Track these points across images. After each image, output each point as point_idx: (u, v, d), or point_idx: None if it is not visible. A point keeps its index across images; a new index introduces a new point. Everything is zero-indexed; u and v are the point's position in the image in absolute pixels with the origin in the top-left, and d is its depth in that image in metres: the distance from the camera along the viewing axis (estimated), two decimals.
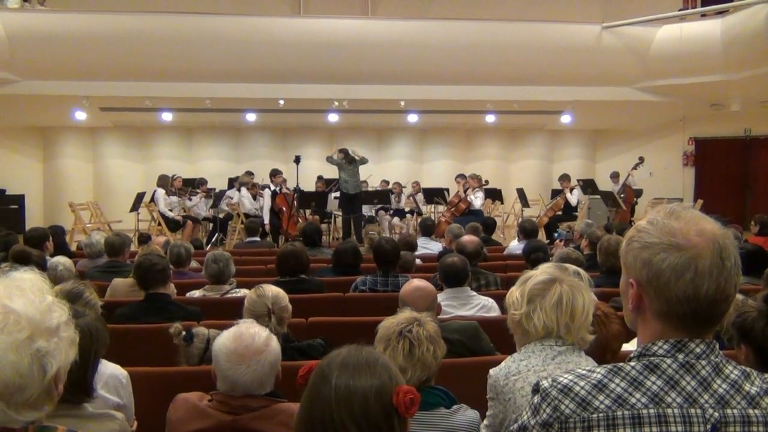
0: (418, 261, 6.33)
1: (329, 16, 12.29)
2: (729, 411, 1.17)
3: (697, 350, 1.20)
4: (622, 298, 1.33)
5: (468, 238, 5.35)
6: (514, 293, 2.16)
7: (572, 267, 2.24)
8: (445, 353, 2.23)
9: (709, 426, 1.16)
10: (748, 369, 1.23)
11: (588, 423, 1.18)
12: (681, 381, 1.18)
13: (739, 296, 3.23)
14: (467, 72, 12.01)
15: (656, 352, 1.21)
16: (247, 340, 2.12)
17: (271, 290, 3.03)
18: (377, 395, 1.34)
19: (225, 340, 2.15)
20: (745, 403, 1.18)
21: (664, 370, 1.19)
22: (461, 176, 12.53)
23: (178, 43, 11.31)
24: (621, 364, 1.23)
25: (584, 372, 1.24)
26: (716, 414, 1.16)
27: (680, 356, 1.20)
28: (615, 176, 12.84)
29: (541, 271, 2.17)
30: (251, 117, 13.84)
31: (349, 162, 10.82)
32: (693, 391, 1.18)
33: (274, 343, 2.17)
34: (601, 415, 1.17)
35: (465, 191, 11.89)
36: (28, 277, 1.25)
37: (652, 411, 1.16)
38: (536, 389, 1.26)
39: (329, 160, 11.55)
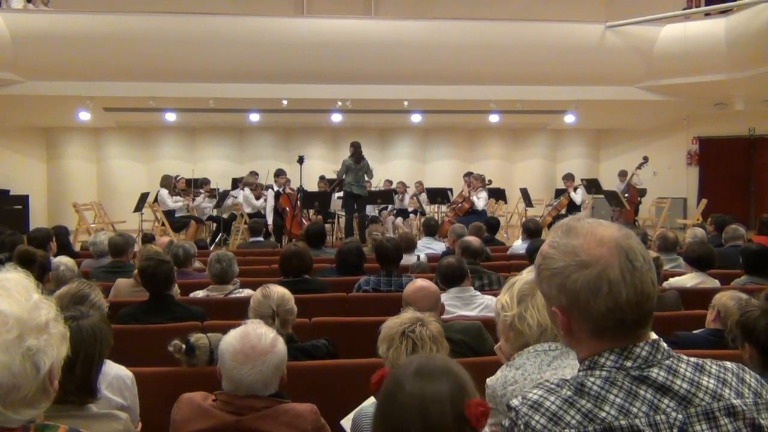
0: (422, 258, 6.33)
1: (332, 16, 12.30)
2: (692, 410, 1.17)
3: (643, 354, 1.21)
4: (551, 323, 1.35)
5: (471, 238, 5.36)
6: (503, 297, 2.12)
7: None
8: (449, 353, 2.22)
9: (675, 430, 1.16)
10: (700, 361, 1.24)
11: None
12: (639, 392, 1.18)
13: (743, 295, 3.24)
14: (470, 72, 12.01)
15: (604, 364, 1.21)
16: (253, 341, 2.11)
17: (277, 292, 3.01)
18: (451, 404, 1.34)
19: (231, 339, 2.14)
20: (709, 398, 1.18)
21: (621, 384, 1.19)
22: (469, 174, 12.50)
23: (182, 43, 11.33)
24: (581, 379, 1.22)
25: (553, 387, 1.23)
26: (680, 416, 1.17)
27: (628, 363, 1.20)
28: (623, 174, 12.80)
29: (527, 272, 2.13)
30: (254, 117, 13.87)
31: (356, 161, 10.76)
32: (652, 398, 1.18)
33: (281, 345, 2.17)
34: (573, 430, 1.16)
35: (469, 191, 11.87)
36: (11, 277, 1.25)
37: (623, 422, 1.16)
38: (508, 408, 1.25)
39: (340, 172, 11.26)
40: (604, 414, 1.17)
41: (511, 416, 1.23)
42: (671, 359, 1.22)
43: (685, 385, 1.19)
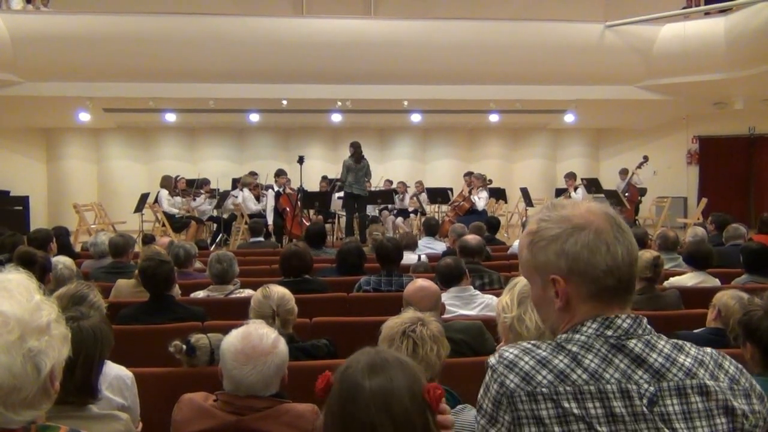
0: (423, 258, 6.33)
1: (332, 16, 12.30)
2: (665, 384, 1.20)
3: (624, 325, 1.24)
4: (537, 311, 1.39)
5: (470, 237, 5.36)
6: (504, 299, 2.12)
7: None
8: (449, 353, 2.22)
9: (645, 400, 1.18)
10: (680, 342, 1.26)
11: (533, 397, 1.20)
12: (614, 360, 1.21)
13: (744, 294, 3.24)
14: (470, 71, 12.01)
15: (585, 332, 1.24)
16: (254, 341, 2.11)
17: (278, 292, 3.01)
18: (411, 394, 1.34)
19: (233, 339, 2.14)
20: (682, 375, 1.20)
21: (598, 349, 1.22)
22: (469, 174, 12.50)
23: (182, 43, 11.33)
24: (560, 341, 1.25)
25: (530, 346, 1.26)
26: (651, 388, 1.19)
27: (609, 332, 1.23)
28: (624, 172, 12.80)
29: None
30: (254, 117, 13.87)
31: (357, 161, 10.75)
32: (626, 368, 1.20)
33: (282, 346, 2.16)
34: (544, 390, 1.19)
35: (469, 191, 11.87)
36: (13, 278, 1.25)
37: (593, 387, 1.19)
38: (487, 366, 1.29)
39: (342, 175, 11.22)
40: (575, 377, 1.20)
41: (488, 374, 1.26)
42: (651, 335, 1.24)
43: (660, 359, 1.21)
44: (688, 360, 1.22)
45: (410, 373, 1.38)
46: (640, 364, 1.20)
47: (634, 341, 1.22)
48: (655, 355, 1.21)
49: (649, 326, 1.26)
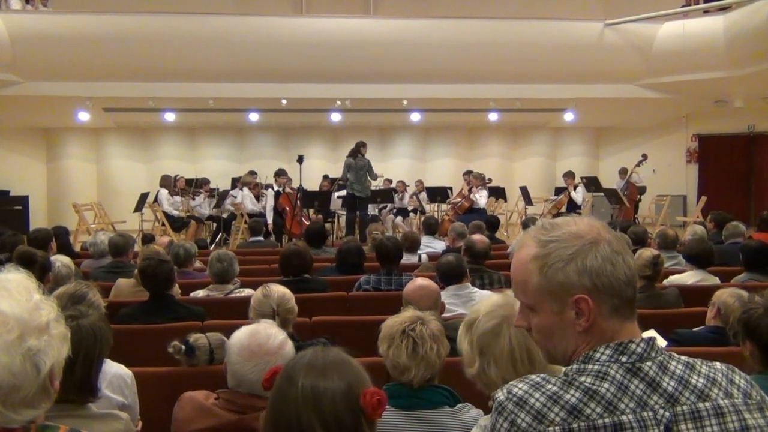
0: (424, 258, 6.33)
1: (331, 16, 12.31)
2: (679, 408, 1.17)
3: (638, 350, 1.21)
4: (541, 341, 1.30)
5: (478, 237, 5.35)
6: (463, 342, 1.86)
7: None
8: (449, 352, 2.22)
9: (662, 427, 1.16)
10: (691, 360, 1.24)
11: None
12: (630, 385, 1.18)
13: (743, 292, 3.24)
14: (470, 70, 12.01)
15: (599, 359, 1.21)
16: (261, 339, 2.11)
17: (278, 291, 3.00)
18: (345, 396, 1.33)
19: (241, 334, 2.14)
20: (694, 398, 1.18)
21: (613, 376, 1.19)
22: (468, 173, 12.50)
23: (181, 43, 11.33)
24: (573, 374, 1.22)
25: (539, 380, 1.23)
26: (667, 414, 1.17)
27: (623, 359, 1.20)
28: (623, 172, 12.80)
29: (487, 312, 1.85)
30: (254, 117, 13.86)
31: (353, 155, 10.74)
32: (642, 393, 1.18)
33: (289, 349, 2.15)
34: (557, 428, 1.16)
35: (469, 190, 11.88)
36: (12, 278, 1.25)
37: (607, 420, 1.16)
38: (494, 401, 1.25)
39: (343, 175, 11.21)
40: (589, 411, 1.16)
41: (497, 410, 1.22)
42: (663, 356, 1.22)
43: (672, 383, 1.19)
44: (701, 380, 1.20)
45: (351, 375, 1.37)
46: (655, 388, 1.18)
47: (648, 364, 1.20)
48: (667, 379, 1.19)
49: (661, 347, 1.24)
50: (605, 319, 1.23)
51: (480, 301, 1.99)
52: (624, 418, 1.16)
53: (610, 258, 1.22)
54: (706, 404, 1.18)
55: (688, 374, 1.20)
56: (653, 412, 1.17)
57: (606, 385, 1.18)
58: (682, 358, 1.24)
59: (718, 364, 1.25)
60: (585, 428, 1.16)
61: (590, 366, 1.21)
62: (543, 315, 1.27)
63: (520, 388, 1.22)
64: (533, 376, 1.24)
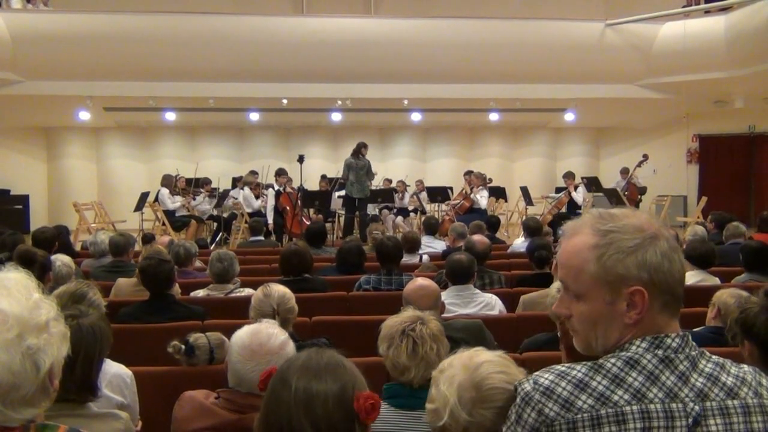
0: (425, 258, 6.33)
1: (332, 15, 12.30)
2: (708, 404, 1.18)
3: (674, 345, 1.22)
4: (584, 330, 1.27)
5: (478, 238, 5.35)
6: (450, 400, 1.46)
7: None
8: (449, 352, 2.22)
9: (690, 420, 1.17)
10: (722, 360, 1.24)
11: (573, 424, 1.17)
12: (661, 376, 1.19)
13: (743, 293, 3.23)
14: (470, 70, 12.00)
15: (635, 350, 1.22)
16: (262, 339, 2.11)
17: (278, 290, 3.00)
18: (338, 399, 1.32)
19: (242, 334, 2.14)
20: (723, 395, 1.19)
21: (644, 365, 1.19)
22: (469, 173, 12.49)
23: (182, 42, 11.33)
24: (601, 361, 1.22)
25: (564, 369, 1.23)
26: (696, 407, 1.17)
27: (659, 352, 1.21)
28: (624, 171, 12.79)
29: (466, 359, 1.52)
30: (254, 116, 13.87)
31: (354, 155, 10.73)
32: (673, 385, 1.18)
33: (290, 349, 2.15)
34: (585, 415, 1.17)
35: (470, 189, 11.87)
36: (12, 276, 1.25)
37: (635, 407, 1.17)
38: (517, 391, 1.24)
39: (343, 175, 11.20)
40: (616, 398, 1.17)
41: (524, 401, 1.22)
42: (696, 352, 1.23)
43: (701, 380, 1.20)
44: (730, 379, 1.21)
45: (345, 378, 1.36)
46: (685, 382, 1.19)
47: (681, 356, 1.21)
48: (696, 375, 1.20)
49: (694, 343, 1.24)
50: (655, 314, 1.23)
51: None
52: (652, 407, 1.17)
53: (668, 255, 1.24)
54: (735, 402, 1.19)
55: (719, 372, 1.22)
56: (683, 404, 1.17)
57: (634, 374, 1.19)
58: (713, 357, 1.25)
59: (746, 366, 1.26)
60: (613, 414, 1.17)
61: (623, 353, 1.22)
62: (592, 303, 1.26)
63: (546, 378, 1.22)
64: (557, 366, 1.25)
